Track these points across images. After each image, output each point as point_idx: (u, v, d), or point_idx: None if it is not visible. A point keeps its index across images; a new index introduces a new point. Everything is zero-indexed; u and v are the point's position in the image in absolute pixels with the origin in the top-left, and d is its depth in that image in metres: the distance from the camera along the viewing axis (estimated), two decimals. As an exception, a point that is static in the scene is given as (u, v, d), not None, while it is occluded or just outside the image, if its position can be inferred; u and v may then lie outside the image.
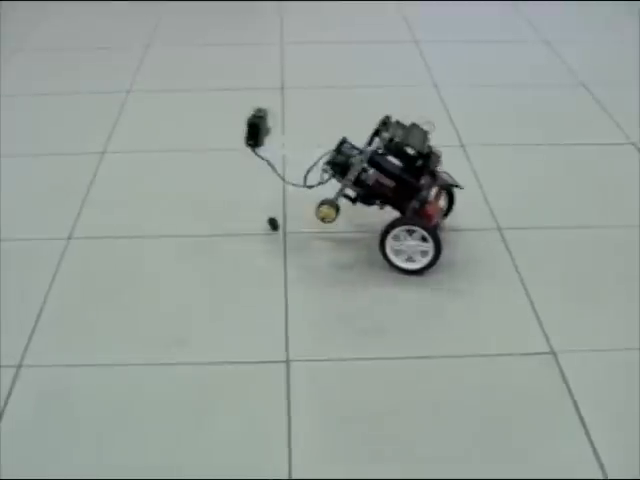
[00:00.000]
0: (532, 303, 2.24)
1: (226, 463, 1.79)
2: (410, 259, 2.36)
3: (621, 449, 1.80)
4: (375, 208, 2.42)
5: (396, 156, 2.33)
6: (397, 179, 2.33)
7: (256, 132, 2.40)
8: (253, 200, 2.71)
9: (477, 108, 3.40)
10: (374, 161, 2.33)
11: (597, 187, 2.81)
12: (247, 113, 2.40)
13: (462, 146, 3.06)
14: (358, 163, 2.33)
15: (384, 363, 2.06)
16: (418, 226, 2.30)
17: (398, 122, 2.41)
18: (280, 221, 2.58)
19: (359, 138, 2.40)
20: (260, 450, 1.82)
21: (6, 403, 1.94)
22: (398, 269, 2.37)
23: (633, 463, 1.77)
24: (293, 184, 2.49)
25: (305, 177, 2.43)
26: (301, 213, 2.57)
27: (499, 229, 2.56)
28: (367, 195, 2.39)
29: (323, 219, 2.38)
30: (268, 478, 1.75)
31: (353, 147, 2.39)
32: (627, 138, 3.12)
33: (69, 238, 2.55)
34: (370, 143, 2.39)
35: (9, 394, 1.97)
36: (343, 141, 2.40)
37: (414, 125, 2.39)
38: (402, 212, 2.37)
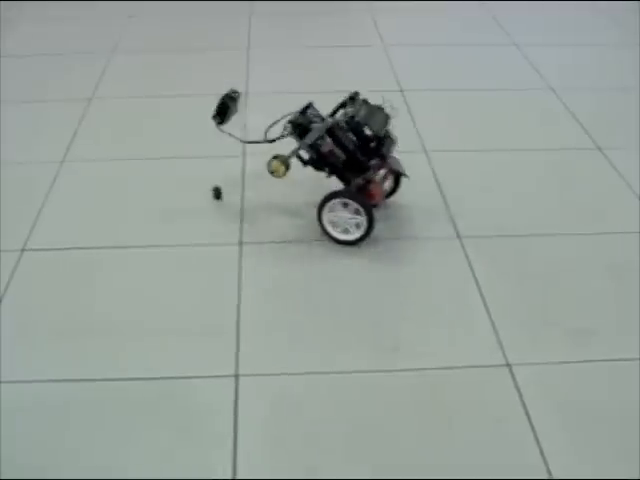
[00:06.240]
0: None
1: (481, 463, 1.83)
2: (346, 231, 2.51)
3: None
4: None
5: (354, 133, 2.47)
6: (349, 153, 2.46)
7: (225, 110, 2.55)
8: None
9: (602, 111, 3.44)
10: (332, 132, 2.46)
11: None
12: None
13: (599, 149, 3.11)
14: (317, 130, 2.46)
15: (601, 364, 2.11)
16: (356, 201, 2.44)
17: (365, 101, 2.54)
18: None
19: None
20: (511, 450, 1.86)
21: (236, 410, 1.97)
22: (334, 240, 2.52)
23: None
24: (251, 142, 2.60)
25: (266, 132, 2.55)
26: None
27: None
28: (318, 160, 2.51)
29: (272, 172, 2.48)
30: (526, 478, 1.80)
31: (317, 114, 2.53)
32: None
33: (240, 243, 2.57)
34: (333, 114, 2.54)
35: (236, 401, 2.00)
36: (309, 105, 2.55)
37: (379, 108, 2.54)
38: (347, 184, 2.50)
